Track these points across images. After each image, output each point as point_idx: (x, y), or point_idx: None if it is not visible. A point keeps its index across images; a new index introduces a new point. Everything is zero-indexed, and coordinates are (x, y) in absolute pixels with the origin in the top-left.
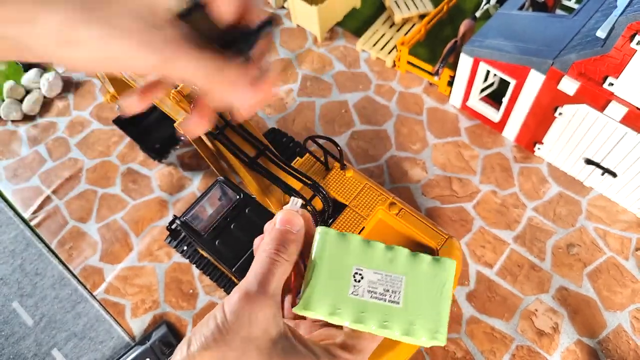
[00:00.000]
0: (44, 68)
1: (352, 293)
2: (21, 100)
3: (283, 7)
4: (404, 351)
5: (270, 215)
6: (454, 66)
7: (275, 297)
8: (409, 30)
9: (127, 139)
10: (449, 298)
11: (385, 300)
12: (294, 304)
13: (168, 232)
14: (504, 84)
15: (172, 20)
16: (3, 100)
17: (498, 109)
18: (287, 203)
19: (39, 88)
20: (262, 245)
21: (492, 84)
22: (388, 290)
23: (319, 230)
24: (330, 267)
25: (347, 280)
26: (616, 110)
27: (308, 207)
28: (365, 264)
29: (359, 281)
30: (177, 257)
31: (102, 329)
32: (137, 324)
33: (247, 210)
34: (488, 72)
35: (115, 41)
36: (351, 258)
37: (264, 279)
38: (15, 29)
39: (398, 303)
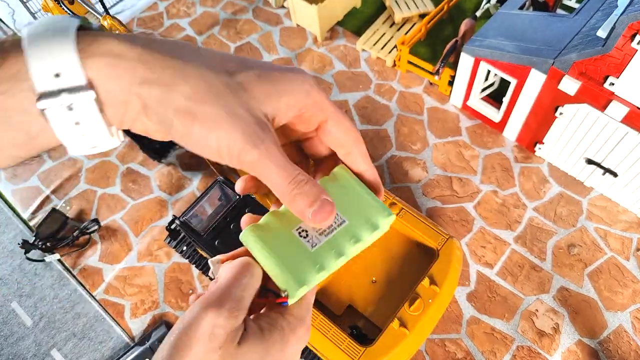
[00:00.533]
0: None
1: (312, 247)
2: None
3: (283, 7)
4: (405, 351)
5: None
6: (454, 66)
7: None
8: (409, 30)
9: (127, 139)
10: (362, 186)
11: (337, 228)
12: (277, 301)
13: (167, 233)
14: (504, 84)
15: (269, 125)
16: None
17: (499, 108)
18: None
19: None
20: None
21: (492, 84)
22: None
23: (243, 239)
24: (278, 250)
25: (299, 244)
26: (617, 110)
27: None
28: (294, 221)
29: (306, 236)
30: (177, 257)
31: (101, 329)
32: (137, 324)
33: (246, 211)
34: (489, 71)
35: (226, 126)
36: (283, 229)
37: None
38: (154, 90)
39: (345, 221)
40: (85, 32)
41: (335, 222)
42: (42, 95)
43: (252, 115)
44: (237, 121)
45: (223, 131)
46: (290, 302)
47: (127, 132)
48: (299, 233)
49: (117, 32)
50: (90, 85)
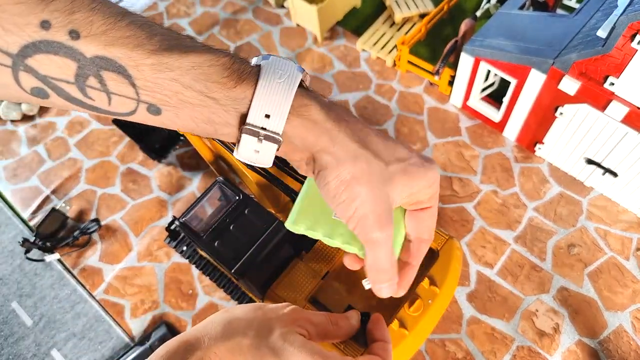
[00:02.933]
0: None
1: (334, 216)
2: None
3: (283, 7)
4: (405, 352)
5: (270, 216)
6: (454, 66)
7: None
8: (409, 30)
9: (127, 139)
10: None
11: None
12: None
13: (167, 233)
14: (504, 84)
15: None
16: (2, 100)
17: (499, 108)
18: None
19: None
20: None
21: (492, 84)
22: None
23: (308, 179)
24: (313, 196)
25: (328, 208)
26: (617, 110)
27: None
28: None
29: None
30: (177, 257)
31: (101, 329)
32: (137, 325)
33: (246, 211)
34: (489, 71)
35: (367, 204)
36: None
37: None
38: (327, 158)
39: None
40: (301, 90)
41: None
42: (248, 125)
43: (387, 202)
44: (376, 205)
45: (363, 206)
46: (286, 224)
47: (126, 132)
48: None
49: None
50: (283, 135)
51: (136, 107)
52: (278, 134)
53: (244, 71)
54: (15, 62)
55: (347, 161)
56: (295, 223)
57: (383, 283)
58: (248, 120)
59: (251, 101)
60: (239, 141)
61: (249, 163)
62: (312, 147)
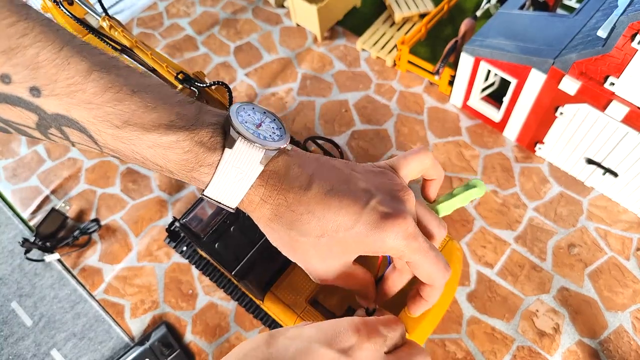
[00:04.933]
0: None
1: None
2: None
3: (283, 6)
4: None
5: None
6: (454, 65)
7: None
8: (409, 30)
9: None
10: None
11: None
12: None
13: (167, 233)
14: (504, 84)
15: None
16: None
17: (499, 108)
18: None
19: None
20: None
21: (492, 84)
22: None
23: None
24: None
25: None
26: (617, 110)
27: None
28: None
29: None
30: (177, 257)
31: (101, 329)
32: (137, 325)
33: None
34: (489, 71)
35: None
36: None
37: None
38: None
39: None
40: (258, 181)
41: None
42: (204, 196)
43: (343, 265)
44: (329, 265)
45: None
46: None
47: None
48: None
49: (119, 32)
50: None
51: (102, 153)
52: (232, 208)
53: (204, 159)
54: None
55: (288, 248)
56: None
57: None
58: (204, 194)
59: (205, 188)
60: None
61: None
62: (266, 223)
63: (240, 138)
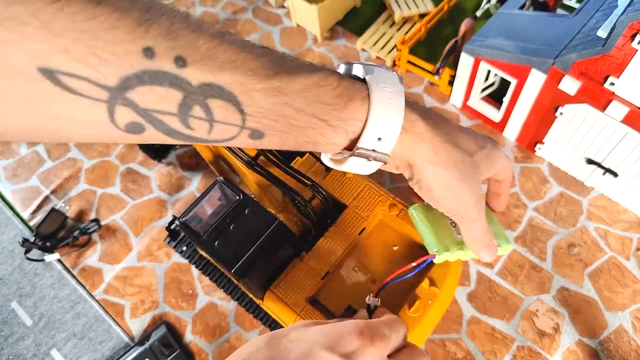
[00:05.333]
0: None
1: (458, 234)
2: None
3: (283, 7)
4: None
5: (270, 216)
6: (454, 66)
7: None
8: (409, 30)
9: None
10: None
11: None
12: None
13: (167, 233)
14: (504, 84)
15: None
16: None
17: (499, 108)
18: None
19: None
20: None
21: (492, 84)
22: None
23: (410, 212)
24: (435, 226)
25: (449, 229)
26: (617, 110)
27: (308, 208)
28: (446, 217)
29: (455, 226)
30: (177, 257)
31: (101, 329)
32: (137, 325)
33: (246, 211)
34: (489, 71)
35: (466, 197)
36: (440, 216)
37: None
38: (433, 168)
39: None
40: (406, 104)
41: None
42: (359, 149)
43: (479, 188)
44: (474, 195)
45: (465, 201)
46: (436, 260)
47: None
48: (450, 223)
49: None
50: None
51: (238, 133)
52: (388, 154)
53: (353, 88)
54: (113, 96)
55: (447, 167)
56: (440, 253)
57: (482, 251)
58: (360, 145)
59: (365, 123)
60: (344, 158)
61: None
62: (414, 158)
63: (373, 67)
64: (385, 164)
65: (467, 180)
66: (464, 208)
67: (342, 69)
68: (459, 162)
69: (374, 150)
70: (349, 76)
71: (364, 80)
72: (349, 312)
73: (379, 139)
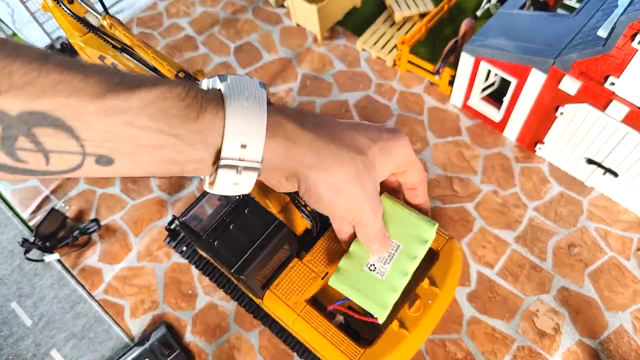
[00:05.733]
0: None
1: (382, 276)
2: None
3: (282, 6)
4: (404, 352)
5: (270, 216)
6: (454, 65)
7: None
8: (409, 29)
9: None
10: (405, 207)
11: (395, 253)
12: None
13: (167, 233)
14: (505, 84)
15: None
16: None
17: (499, 108)
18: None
19: None
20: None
21: (493, 84)
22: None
23: (332, 284)
24: (360, 287)
25: (373, 278)
26: (617, 110)
27: (308, 208)
28: (362, 259)
29: (375, 269)
30: (177, 258)
31: (101, 329)
32: (136, 325)
33: (246, 211)
34: (489, 71)
35: (360, 200)
36: (357, 269)
37: None
38: (316, 173)
39: (400, 245)
40: (269, 107)
41: (392, 249)
42: (224, 159)
43: (375, 187)
44: (369, 197)
45: (359, 204)
46: (380, 321)
47: None
48: (369, 268)
49: (120, 30)
50: (262, 161)
51: (82, 162)
52: (258, 161)
53: (204, 98)
54: None
55: (334, 168)
56: (381, 317)
57: (375, 246)
58: (223, 155)
59: (223, 131)
60: (214, 177)
61: (227, 195)
62: (294, 165)
63: (228, 75)
64: (259, 175)
65: (359, 181)
66: (360, 212)
67: (203, 84)
68: (347, 163)
69: (240, 159)
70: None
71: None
72: (346, 315)
73: (243, 145)
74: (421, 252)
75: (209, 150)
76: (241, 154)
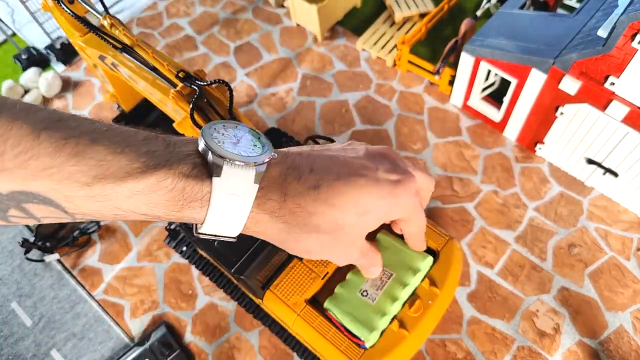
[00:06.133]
0: (43, 67)
1: (373, 302)
2: None
3: (283, 6)
4: (404, 353)
5: None
6: (454, 65)
7: None
8: (409, 29)
9: None
10: (401, 243)
11: (388, 281)
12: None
13: (167, 233)
14: (505, 84)
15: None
16: None
17: (499, 108)
18: None
19: (38, 87)
20: None
21: (493, 84)
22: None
23: (327, 308)
24: (352, 311)
25: (364, 302)
26: (618, 110)
27: None
28: (356, 286)
29: (367, 295)
30: (177, 258)
31: (101, 329)
32: (136, 325)
33: None
34: (489, 71)
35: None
36: (351, 295)
37: None
38: (296, 236)
39: (392, 274)
40: (256, 200)
41: (385, 277)
42: (200, 234)
43: (362, 245)
44: (354, 254)
45: (347, 256)
46: (367, 345)
47: None
48: (362, 294)
49: (120, 30)
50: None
51: (74, 219)
52: (234, 237)
53: (191, 192)
54: None
55: (312, 234)
56: (367, 339)
57: (370, 273)
58: (201, 231)
59: (204, 222)
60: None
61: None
62: (278, 234)
63: (225, 162)
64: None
65: (344, 244)
66: (351, 260)
67: (201, 145)
68: (326, 234)
69: (216, 235)
70: (202, 157)
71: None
72: (341, 329)
73: (219, 236)
74: (413, 281)
75: (194, 222)
76: (218, 232)
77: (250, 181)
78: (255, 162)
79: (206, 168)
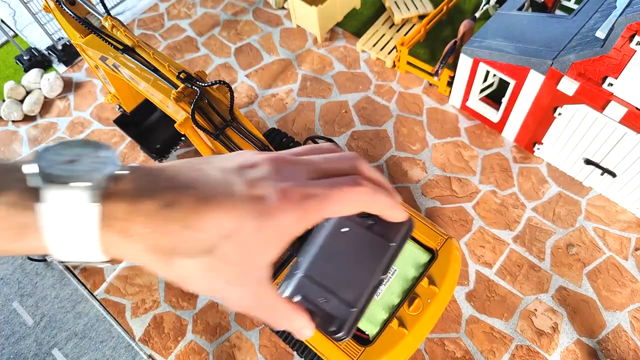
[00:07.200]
0: (45, 68)
1: (377, 296)
2: (22, 101)
3: (283, 8)
4: (404, 351)
5: None
6: (453, 67)
7: None
8: (408, 31)
9: (128, 139)
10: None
11: (392, 277)
12: None
13: None
14: (503, 85)
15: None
16: (4, 101)
17: (497, 109)
18: None
19: (40, 88)
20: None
21: (491, 84)
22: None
23: None
24: None
25: None
26: (615, 111)
27: None
28: None
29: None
30: None
31: (102, 328)
32: (138, 324)
33: None
34: (487, 72)
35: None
36: None
37: None
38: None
39: (396, 269)
40: (104, 222)
41: (389, 273)
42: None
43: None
44: (242, 293)
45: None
46: (371, 337)
47: (127, 132)
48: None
49: (121, 31)
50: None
51: None
52: (104, 261)
53: (25, 224)
54: None
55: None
56: (371, 331)
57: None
58: (51, 258)
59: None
60: None
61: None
62: (140, 256)
63: (47, 185)
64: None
65: (226, 276)
66: (245, 306)
67: (26, 168)
68: (203, 255)
69: (75, 260)
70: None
71: None
72: None
73: (74, 259)
74: (416, 276)
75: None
76: (73, 259)
77: (85, 202)
78: (88, 181)
79: (34, 193)
